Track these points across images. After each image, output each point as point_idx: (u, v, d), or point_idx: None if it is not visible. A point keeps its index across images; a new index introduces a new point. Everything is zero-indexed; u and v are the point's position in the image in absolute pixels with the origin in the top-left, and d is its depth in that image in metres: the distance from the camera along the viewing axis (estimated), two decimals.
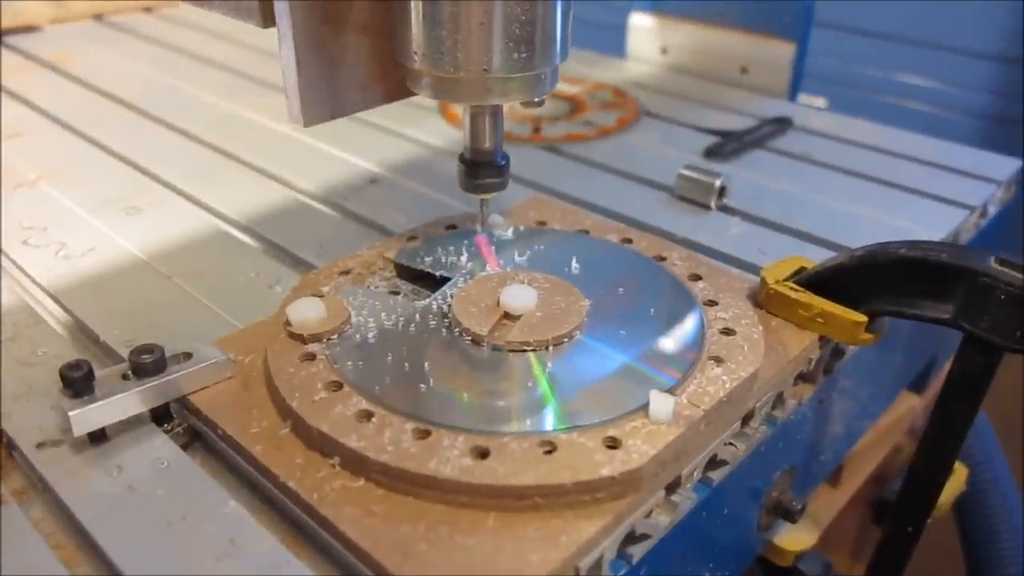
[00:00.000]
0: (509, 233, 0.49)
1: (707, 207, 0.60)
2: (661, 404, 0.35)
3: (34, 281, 0.51)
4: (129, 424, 0.39)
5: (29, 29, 1.04)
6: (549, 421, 0.35)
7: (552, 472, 0.32)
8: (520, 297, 0.41)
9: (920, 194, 0.63)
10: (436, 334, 0.41)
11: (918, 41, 1.38)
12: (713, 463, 0.39)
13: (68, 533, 0.35)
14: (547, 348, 0.39)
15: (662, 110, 0.80)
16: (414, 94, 0.42)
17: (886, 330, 0.45)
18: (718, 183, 0.59)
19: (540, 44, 0.38)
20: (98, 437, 0.38)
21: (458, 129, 0.74)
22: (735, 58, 0.85)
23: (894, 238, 0.54)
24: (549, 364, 0.38)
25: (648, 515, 0.35)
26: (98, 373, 0.38)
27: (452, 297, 0.42)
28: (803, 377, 0.45)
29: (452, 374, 0.38)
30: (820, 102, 1.41)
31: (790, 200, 0.61)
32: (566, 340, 0.40)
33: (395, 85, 0.42)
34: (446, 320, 0.41)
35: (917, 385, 0.73)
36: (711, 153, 0.68)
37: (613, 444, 0.34)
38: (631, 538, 0.35)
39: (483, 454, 0.33)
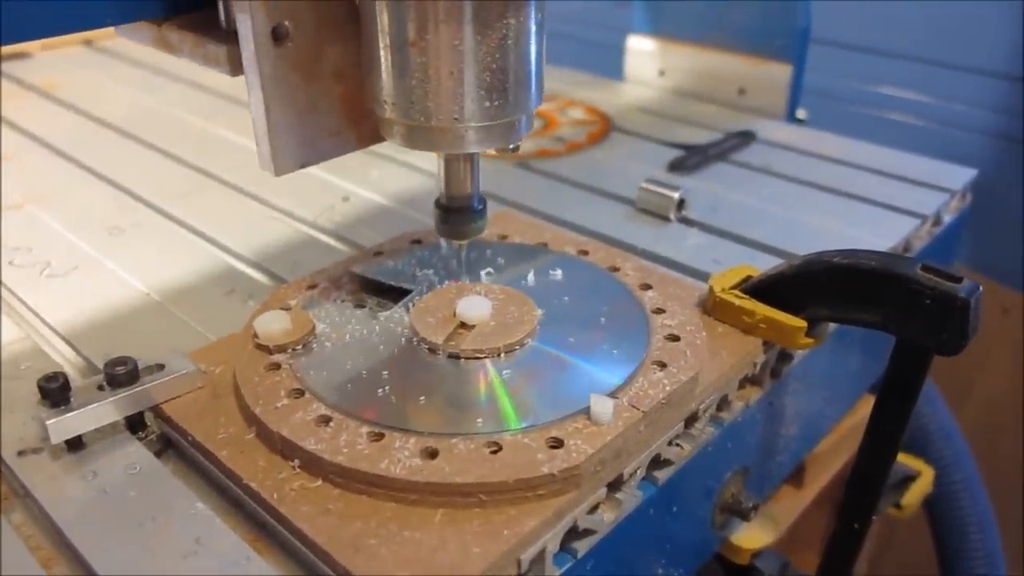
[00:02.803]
0: (465, 245, 0.51)
1: (667, 219, 0.62)
2: (601, 406, 0.37)
3: (19, 299, 0.53)
4: (105, 432, 0.41)
5: (20, 56, 1.06)
6: (496, 423, 0.37)
7: (495, 471, 0.35)
8: (475, 307, 0.43)
9: (874, 204, 0.66)
10: (395, 343, 0.43)
11: (912, 56, 1.41)
12: (658, 462, 0.41)
13: (47, 535, 0.37)
14: (499, 355, 0.42)
15: (630, 125, 0.82)
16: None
17: (828, 335, 0.48)
18: (676, 196, 0.61)
19: (513, 91, 0.38)
20: (75, 444, 0.40)
21: None
22: (733, 80, 0.87)
23: (844, 247, 0.57)
24: (500, 370, 0.41)
25: (592, 511, 0.38)
26: (74, 384, 0.40)
27: (412, 308, 0.45)
28: (751, 380, 0.48)
29: (408, 380, 0.40)
30: (801, 113, 1.44)
31: (747, 211, 0.64)
32: (517, 347, 0.42)
33: (369, 131, 0.42)
34: (405, 330, 0.44)
35: None
36: (675, 167, 0.71)
37: (556, 444, 0.36)
38: (575, 533, 0.37)
39: (432, 454, 0.36)
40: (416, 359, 0.42)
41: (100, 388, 0.40)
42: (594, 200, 0.66)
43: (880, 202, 0.66)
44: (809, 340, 0.45)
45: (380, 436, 0.37)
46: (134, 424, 0.42)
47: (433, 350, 0.42)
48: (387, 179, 0.71)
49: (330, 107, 0.40)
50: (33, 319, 0.51)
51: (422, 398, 0.39)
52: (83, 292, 0.54)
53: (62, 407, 0.39)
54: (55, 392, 0.39)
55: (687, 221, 0.62)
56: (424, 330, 0.43)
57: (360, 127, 0.42)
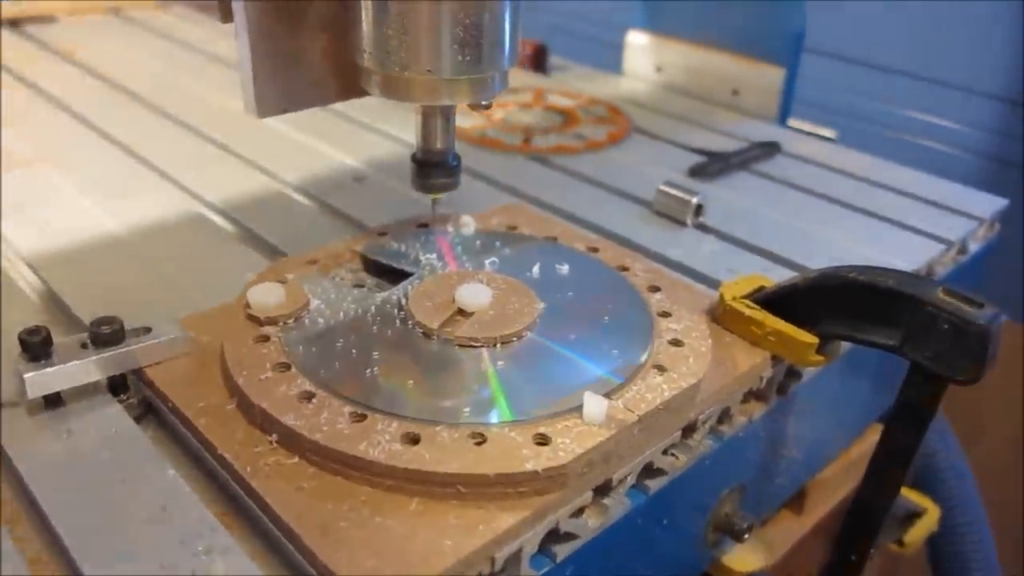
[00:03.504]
0: (473, 234, 0.50)
1: (683, 224, 0.60)
2: (594, 406, 0.35)
3: (16, 253, 0.52)
4: (85, 392, 0.40)
5: (46, 19, 1.06)
6: (483, 414, 0.36)
7: (477, 462, 0.33)
8: (474, 295, 0.42)
9: (898, 225, 0.64)
10: (390, 325, 0.42)
11: (935, 80, 1.39)
12: (650, 471, 0.40)
13: (15, 491, 0.36)
14: (495, 345, 0.40)
15: (653, 127, 0.80)
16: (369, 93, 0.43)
17: (839, 354, 0.46)
18: (695, 201, 0.60)
19: (488, 47, 0.39)
20: (53, 401, 0.39)
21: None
22: (727, 80, 0.86)
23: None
24: (494, 360, 0.39)
25: (576, 515, 0.36)
26: (57, 340, 0.39)
27: (410, 291, 0.43)
28: (755, 395, 0.46)
29: (398, 363, 0.39)
30: (828, 133, 1.42)
31: (766, 222, 0.62)
32: (515, 339, 0.41)
33: (351, 83, 0.43)
34: (402, 313, 0.42)
35: None
36: (695, 172, 0.69)
37: (543, 441, 0.35)
38: (555, 536, 0.35)
39: (414, 440, 0.34)
40: (409, 342, 0.40)
41: (83, 346, 0.39)
42: (610, 199, 0.65)
43: (904, 224, 0.64)
44: (819, 358, 0.43)
45: (362, 417, 0.35)
46: (116, 386, 0.41)
47: (427, 335, 0.41)
48: (402, 161, 0.69)
49: (314, 57, 0.42)
50: (28, 274, 0.51)
51: (411, 382, 0.38)
52: (81, 252, 0.53)
53: (42, 362, 0.38)
54: (36, 346, 0.38)
55: (703, 227, 0.61)
56: (420, 314, 0.41)
57: (343, 79, 0.43)
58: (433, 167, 0.45)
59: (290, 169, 0.67)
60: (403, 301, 0.43)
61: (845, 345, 0.47)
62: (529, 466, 0.33)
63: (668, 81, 0.92)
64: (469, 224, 0.51)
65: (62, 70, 0.90)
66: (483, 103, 0.42)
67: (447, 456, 0.33)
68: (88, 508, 0.34)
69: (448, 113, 0.44)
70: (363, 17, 0.39)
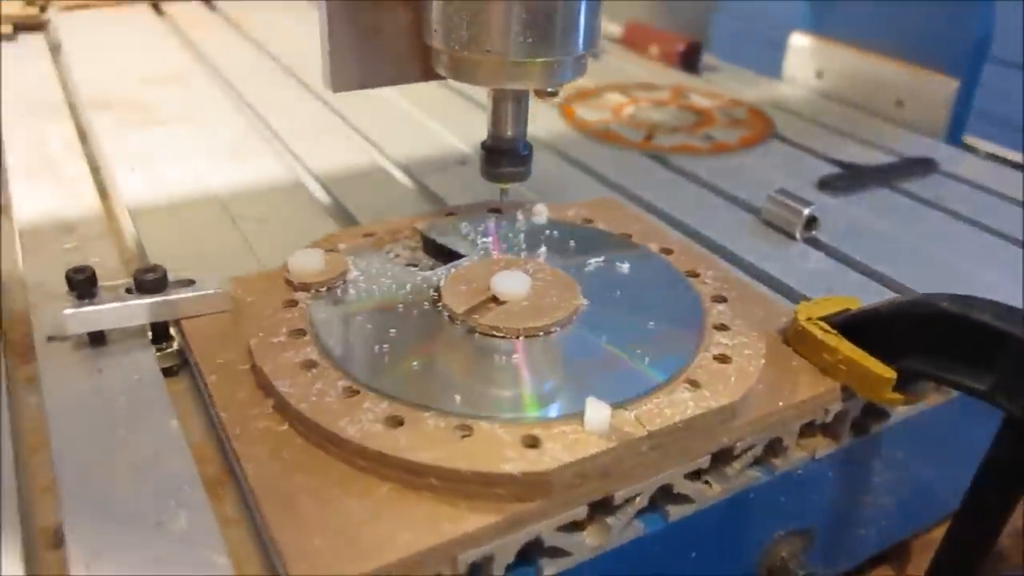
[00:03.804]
0: (544, 223, 0.48)
1: (792, 237, 0.55)
2: (595, 412, 0.32)
3: (123, 202, 0.55)
4: (129, 335, 0.41)
5: None
6: (477, 406, 0.33)
7: (453, 456, 0.31)
8: (511, 283, 0.40)
9: None
10: (418, 306, 0.40)
11: None
12: (671, 495, 0.36)
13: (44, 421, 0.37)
14: (518, 337, 0.38)
15: (796, 135, 0.74)
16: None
17: (924, 395, 0.39)
18: (807, 212, 0.54)
19: (559, 29, 0.37)
20: (98, 340, 0.41)
21: (574, 130, 0.73)
22: (891, 89, 0.78)
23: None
24: (509, 353, 0.37)
25: (568, 530, 0.33)
26: (102, 283, 0.40)
27: (450, 273, 0.42)
28: (823, 430, 0.41)
29: (410, 344, 0.37)
30: (1016, 157, 1.27)
31: (890, 244, 0.55)
32: (541, 333, 0.38)
33: (432, 63, 0.42)
34: (435, 294, 0.41)
35: None
36: (824, 184, 0.63)
37: (532, 443, 0.32)
38: (540, 548, 0.32)
39: (398, 423, 0.32)
40: (430, 324, 0.39)
41: (128, 291, 0.41)
42: (719, 205, 0.60)
43: None
44: (897, 396, 0.38)
45: (355, 392, 0.34)
46: (159, 334, 0.42)
47: (452, 319, 0.39)
48: None
49: (396, 33, 0.41)
50: (127, 222, 0.53)
51: (415, 363, 0.36)
52: (179, 207, 0.55)
53: (86, 300, 0.40)
54: (81, 284, 0.40)
55: (814, 242, 0.55)
56: (451, 297, 0.40)
57: (425, 59, 0.41)
58: (502, 155, 0.43)
59: (399, 146, 0.67)
60: (440, 282, 0.41)
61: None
62: (506, 468, 0.30)
63: (828, 88, 0.85)
64: (542, 213, 0.49)
65: (231, 40, 0.95)
66: (550, 90, 0.39)
67: (424, 444, 0.31)
68: (89, 447, 0.34)
69: (520, 98, 0.42)
70: None
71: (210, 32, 0.98)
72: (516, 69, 0.38)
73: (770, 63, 0.92)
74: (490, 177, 0.44)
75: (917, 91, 0.76)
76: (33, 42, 0.90)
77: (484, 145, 0.44)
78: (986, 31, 0.72)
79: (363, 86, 0.42)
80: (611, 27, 1.04)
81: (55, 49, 0.89)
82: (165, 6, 1.08)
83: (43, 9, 0.98)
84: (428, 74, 0.43)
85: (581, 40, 0.38)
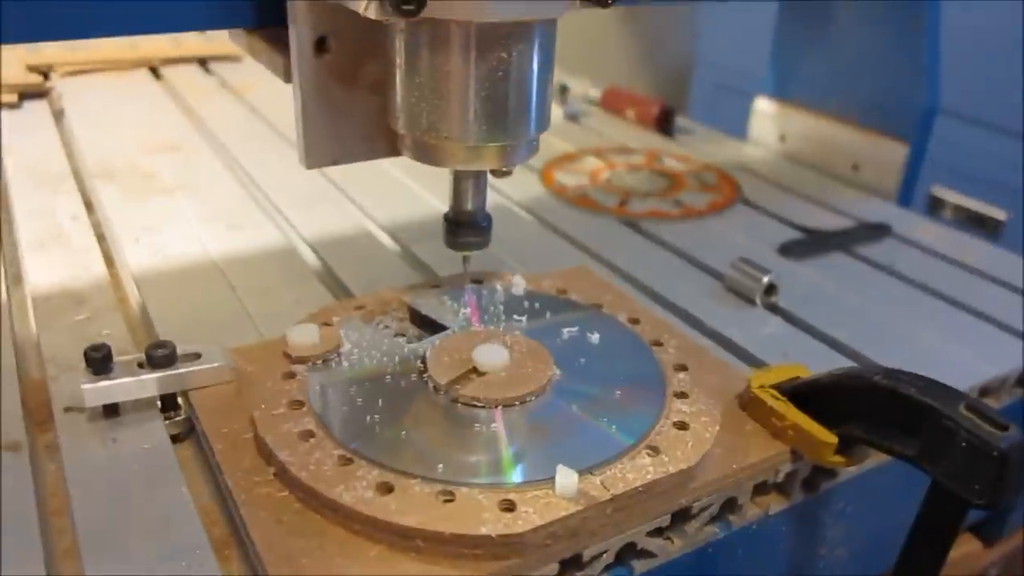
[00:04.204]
0: (521, 294, 0.52)
1: (752, 303, 0.59)
2: (565, 478, 0.36)
3: (130, 271, 0.59)
4: (140, 407, 0.45)
5: (232, 59, 1.19)
6: (460, 474, 0.37)
7: (437, 519, 0.35)
8: (490, 355, 0.44)
9: (998, 325, 0.59)
10: (406, 377, 0.44)
11: None
12: (636, 551, 0.39)
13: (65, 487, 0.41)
14: (496, 407, 0.42)
15: (761, 199, 0.79)
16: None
17: (864, 459, 0.43)
18: (766, 280, 0.58)
19: (512, 116, 0.41)
20: (111, 411, 0.44)
21: (553, 195, 0.78)
22: (847, 153, 0.83)
23: (942, 365, 0.52)
24: (489, 423, 0.41)
25: None
26: (117, 359, 0.44)
27: (435, 345, 0.46)
28: (777, 488, 0.44)
29: (399, 414, 0.41)
30: (999, 214, 1.32)
31: (845, 309, 0.60)
32: (517, 403, 0.42)
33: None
34: (421, 365, 0.45)
35: (991, 532, 0.67)
36: (786, 250, 0.67)
37: (509, 507, 0.36)
38: None
39: (388, 489, 0.36)
40: (417, 395, 0.43)
41: (140, 365, 0.44)
42: (686, 271, 0.64)
43: (1006, 324, 0.59)
44: (839, 459, 0.42)
45: (349, 461, 0.38)
46: (167, 404, 0.45)
47: (437, 389, 0.43)
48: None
49: (365, 115, 0.44)
50: (133, 292, 0.57)
51: (403, 433, 0.40)
52: (182, 277, 0.59)
53: (101, 376, 0.43)
54: (98, 361, 0.43)
55: (773, 308, 0.59)
56: (436, 368, 0.43)
57: (394, 137, 0.45)
58: (463, 227, 0.47)
59: (388, 212, 0.71)
60: (426, 353, 0.45)
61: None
62: (484, 530, 0.34)
63: (790, 151, 0.90)
64: (519, 284, 0.53)
65: (228, 106, 1.00)
66: (504, 169, 0.43)
67: (411, 509, 0.35)
68: (107, 511, 0.38)
69: (478, 176, 0.46)
70: (396, 83, 0.41)
71: (207, 96, 1.03)
72: (472, 152, 0.42)
73: (747, 117, 0.98)
74: (452, 246, 0.48)
75: (871, 155, 0.82)
76: (37, 109, 0.95)
77: (446, 217, 0.48)
78: (933, 102, 0.77)
79: (335, 162, 0.45)
80: (592, 91, 1.10)
81: (58, 116, 0.94)
82: (163, 70, 1.13)
83: (46, 76, 1.02)
84: (395, 150, 0.46)
85: (532, 125, 0.42)
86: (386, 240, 0.67)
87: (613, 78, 1.16)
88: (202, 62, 1.19)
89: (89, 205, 0.71)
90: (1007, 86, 1.34)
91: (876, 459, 0.47)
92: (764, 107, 0.93)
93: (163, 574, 0.35)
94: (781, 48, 0.91)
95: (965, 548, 0.66)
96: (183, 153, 0.83)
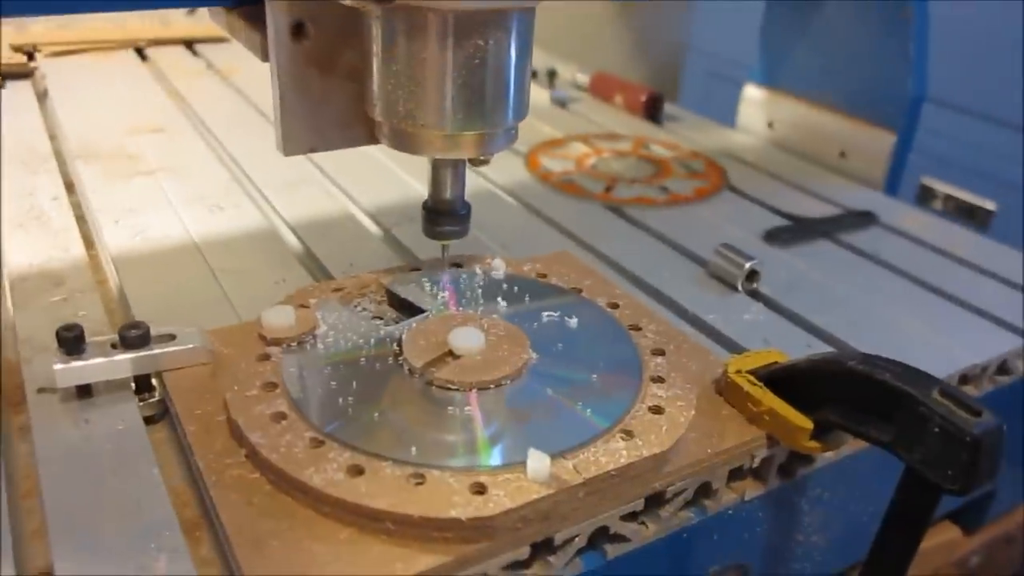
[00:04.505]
0: (501, 277, 0.51)
1: (735, 289, 0.59)
2: (537, 462, 0.36)
3: (109, 253, 0.59)
4: (114, 388, 0.44)
5: (219, 40, 1.18)
6: (432, 457, 0.37)
7: (406, 502, 0.34)
8: (466, 339, 0.43)
9: (983, 314, 0.59)
10: (381, 360, 0.44)
11: None
12: (608, 535, 0.39)
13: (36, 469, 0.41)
14: (471, 390, 0.41)
15: (747, 186, 0.79)
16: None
17: (840, 444, 0.43)
18: (748, 266, 0.58)
19: (490, 107, 0.41)
20: (84, 392, 0.44)
21: (539, 180, 0.77)
22: (835, 141, 0.83)
23: (922, 353, 0.52)
24: (463, 406, 0.40)
25: (513, 568, 0.36)
26: (90, 339, 0.44)
27: (411, 328, 0.45)
28: (753, 473, 0.44)
29: (374, 396, 0.41)
30: (989, 205, 1.32)
31: (827, 296, 0.59)
32: (492, 387, 0.42)
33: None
34: (397, 348, 0.44)
35: (971, 520, 0.67)
36: (771, 237, 0.67)
37: (479, 490, 0.35)
38: None
39: (358, 472, 0.36)
40: (391, 378, 0.42)
41: (113, 346, 0.44)
42: (669, 257, 0.64)
43: (987, 312, 0.59)
44: (815, 445, 0.41)
45: (320, 443, 0.37)
46: (141, 386, 0.45)
47: (412, 372, 0.42)
48: (475, 200, 0.72)
49: (343, 102, 0.44)
50: (112, 274, 0.57)
51: (376, 415, 0.39)
52: (161, 259, 0.59)
53: (74, 356, 0.43)
54: (70, 341, 0.43)
55: (755, 294, 0.59)
56: (411, 351, 0.43)
57: (372, 124, 0.44)
58: (442, 215, 0.46)
59: (371, 196, 0.71)
60: (402, 337, 0.45)
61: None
62: (453, 513, 0.34)
63: (779, 138, 0.90)
64: (500, 268, 0.52)
65: (214, 88, 0.99)
66: (481, 157, 0.43)
67: (381, 492, 0.35)
68: (78, 494, 0.37)
69: (457, 164, 0.46)
70: (373, 71, 0.41)
71: (193, 78, 1.02)
72: (450, 141, 0.42)
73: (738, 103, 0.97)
74: (430, 235, 0.48)
75: (859, 143, 0.82)
76: (21, 89, 0.94)
77: (425, 206, 0.47)
78: (920, 92, 0.77)
79: (313, 150, 0.45)
80: (580, 76, 1.09)
81: (42, 96, 0.93)
82: (149, 52, 1.12)
83: (31, 57, 1.01)
84: (373, 138, 0.46)
85: (511, 114, 0.42)
86: (368, 223, 0.67)
87: (604, 66, 1.15)
88: (189, 44, 1.18)
89: (70, 186, 0.71)
90: (1000, 76, 1.34)
91: (852, 446, 0.47)
92: (753, 94, 0.92)
93: (132, 555, 0.34)
94: (770, 35, 0.90)
95: (946, 536, 0.66)
96: (167, 135, 0.82)
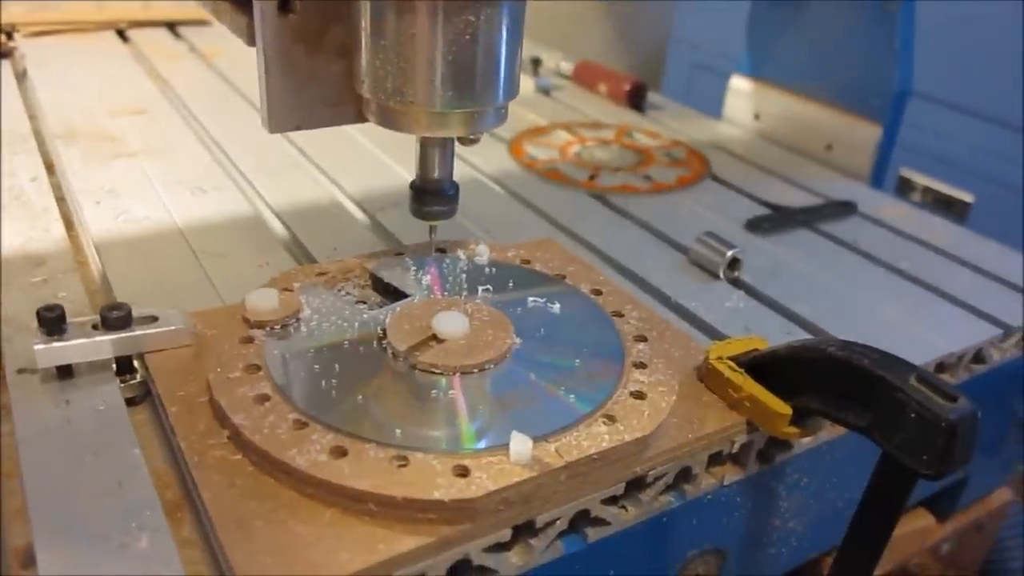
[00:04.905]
0: (485, 263, 0.52)
1: (716, 276, 0.59)
2: (519, 445, 0.36)
3: (91, 236, 0.58)
4: (95, 369, 0.44)
5: (200, 23, 1.17)
6: (415, 439, 0.37)
7: (389, 484, 0.35)
8: (450, 323, 0.43)
9: (959, 304, 0.60)
10: (365, 343, 0.44)
11: None
12: (589, 519, 0.40)
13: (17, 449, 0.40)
14: (454, 374, 0.41)
15: (730, 176, 0.79)
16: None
17: (818, 430, 0.44)
18: (729, 254, 0.59)
19: (479, 84, 0.40)
20: (65, 373, 0.44)
21: (523, 168, 0.77)
22: (821, 133, 0.84)
23: (900, 341, 0.53)
24: (447, 390, 0.40)
25: (496, 550, 0.37)
26: (71, 320, 0.43)
27: (395, 312, 0.45)
28: (733, 459, 0.45)
29: (356, 380, 0.41)
30: (967, 197, 1.33)
31: (808, 285, 0.60)
32: (475, 371, 0.42)
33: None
34: (381, 332, 0.44)
35: (944, 508, 0.68)
36: (752, 226, 0.68)
37: (462, 472, 0.36)
38: (468, 567, 0.36)
39: (341, 453, 0.36)
40: (375, 361, 0.42)
41: (94, 327, 0.44)
42: (652, 244, 0.65)
43: (964, 302, 0.60)
44: (793, 430, 0.42)
45: (304, 425, 0.38)
46: (123, 367, 0.45)
47: (396, 356, 0.43)
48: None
49: (330, 79, 0.43)
50: (94, 256, 0.56)
51: (359, 398, 0.40)
52: (143, 241, 0.58)
53: (55, 337, 0.43)
54: (51, 321, 0.42)
55: (736, 282, 0.59)
56: (395, 335, 0.43)
57: (359, 102, 0.44)
58: (429, 195, 0.46)
59: (355, 181, 0.70)
60: (386, 321, 0.45)
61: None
62: (437, 495, 0.34)
63: (765, 130, 0.91)
64: (484, 254, 0.53)
65: (196, 70, 0.98)
66: (471, 136, 0.43)
67: (365, 473, 0.35)
68: (59, 474, 0.37)
69: (445, 143, 0.45)
70: (361, 47, 0.40)
71: (174, 61, 1.01)
72: (439, 119, 0.41)
73: (721, 97, 0.97)
74: (417, 215, 0.47)
75: (845, 136, 0.82)
76: None
77: (412, 185, 0.47)
78: (906, 85, 0.78)
79: (299, 128, 0.44)
80: (564, 64, 1.09)
81: (20, 76, 0.92)
82: (130, 33, 1.11)
83: (9, 36, 1.00)
84: (362, 117, 0.45)
85: (501, 92, 0.42)
86: (352, 208, 0.67)
87: (588, 55, 1.15)
88: (171, 26, 1.17)
89: (50, 167, 0.70)
90: (979, 70, 1.35)
91: (829, 433, 0.48)
92: (739, 85, 0.93)
93: (113, 534, 0.34)
94: (757, 27, 0.90)
95: (919, 523, 0.67)
96: (148, 117, 0.82)
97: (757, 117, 0.91)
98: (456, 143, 0.46)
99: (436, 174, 0.46)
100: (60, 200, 0.64)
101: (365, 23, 0.40)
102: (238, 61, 1.01)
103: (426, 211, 0.47)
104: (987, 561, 0.77)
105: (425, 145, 0.45)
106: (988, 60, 1.33)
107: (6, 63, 0.95)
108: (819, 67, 0.85)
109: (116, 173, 0.69)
